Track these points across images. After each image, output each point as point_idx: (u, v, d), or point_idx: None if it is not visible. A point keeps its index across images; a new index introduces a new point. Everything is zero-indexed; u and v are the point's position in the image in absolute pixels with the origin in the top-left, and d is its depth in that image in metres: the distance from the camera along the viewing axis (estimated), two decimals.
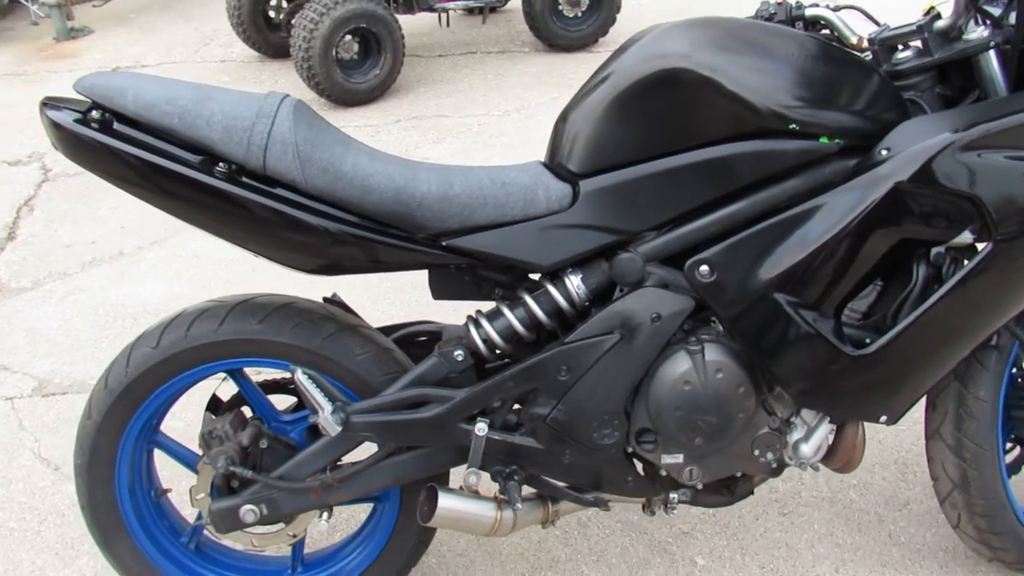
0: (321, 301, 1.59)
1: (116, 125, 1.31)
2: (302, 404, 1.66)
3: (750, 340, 1.41)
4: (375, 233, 1.35)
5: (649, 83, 1.35)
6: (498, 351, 1.47)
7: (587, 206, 1.40)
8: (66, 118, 1.31)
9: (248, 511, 1.47)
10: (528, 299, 1.45)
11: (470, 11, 5.05)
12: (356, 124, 4.22)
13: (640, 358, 1.42)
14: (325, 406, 1.39)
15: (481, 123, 4.18)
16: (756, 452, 1.49)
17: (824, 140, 1.35)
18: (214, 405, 1.64)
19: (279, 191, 1.32)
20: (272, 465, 1.50)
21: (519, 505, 1.44)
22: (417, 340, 1.66)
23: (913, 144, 1.32)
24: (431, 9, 4.68)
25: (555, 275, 1.46)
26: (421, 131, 4.13)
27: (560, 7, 4.90)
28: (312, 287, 2.89)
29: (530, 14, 4.89)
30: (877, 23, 1.58)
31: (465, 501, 1.46)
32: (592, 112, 1.41)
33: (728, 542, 1.90)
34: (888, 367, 1.40)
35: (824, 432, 1.52)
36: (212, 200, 1.31)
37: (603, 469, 1.49)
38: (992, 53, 1.41)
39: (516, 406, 1.51)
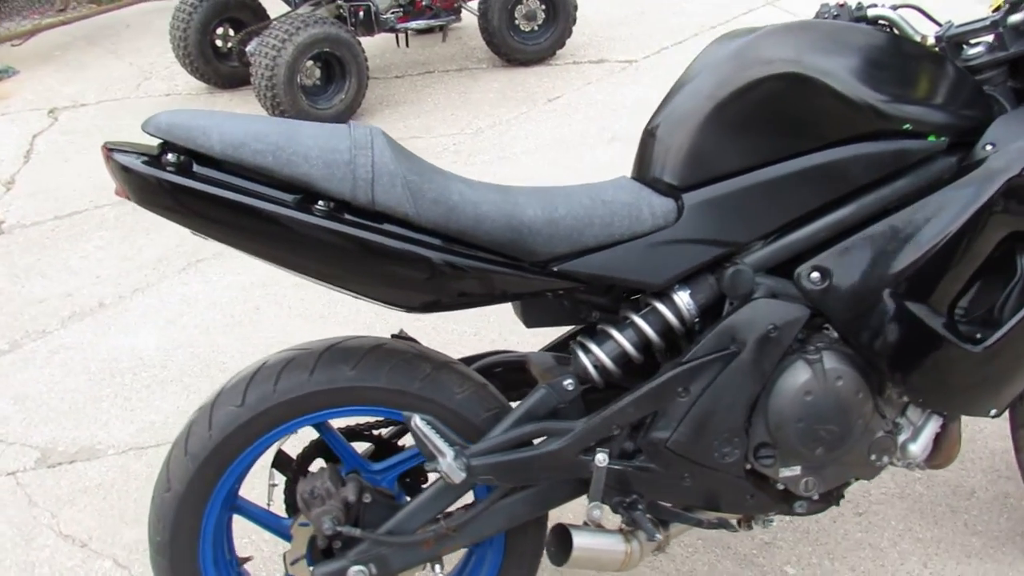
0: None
1: (196, 167, 1.20)
2: (381, 451, 1.57)
3: (867, 344, 1.39)
4: (489, 263, 1.28)
5: (755, 89, 1.32)
6: (607, 377, 1.41)
7: (694, 219, 1.36)
8: (137, 162, 1.19)
9: (357, 572, 1.36)
10: (638, 320, 1.40)
11: (425, 30, 4.98)
12: None
13: (759, 371, 1.38)
14: (447, 452, 1.30)
15: (456, 142, 4.11)
16: (872, 456, 1.46)
17: (932, 138, 1.34)
18: (280, 462, 1.52)
19: (388, 227, 1.23)
20: (374, 520, 1.40)
21: (658, 536, 1.38)
22: (494, 371, 1.59)
23: (1017, 139, 1.33)
24: (392, 30, 4.59)
25: (661, 293, 1.41)
26: None
27: (517, 21, 4.87)
28: (326, 325, 2.77)
29: (487, 30, 4.84)
30: (938, 22, 1.59)
31: (597, 537, 1.39)
32: (689, 123, 1.37)
33: (813, 548, 1.87)
34: (1004, 360, 1.40)
35: (932, 430, 1.51)
36: (315, 241, 1.21)
37: (724, 488, 1.44)
38: None
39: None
